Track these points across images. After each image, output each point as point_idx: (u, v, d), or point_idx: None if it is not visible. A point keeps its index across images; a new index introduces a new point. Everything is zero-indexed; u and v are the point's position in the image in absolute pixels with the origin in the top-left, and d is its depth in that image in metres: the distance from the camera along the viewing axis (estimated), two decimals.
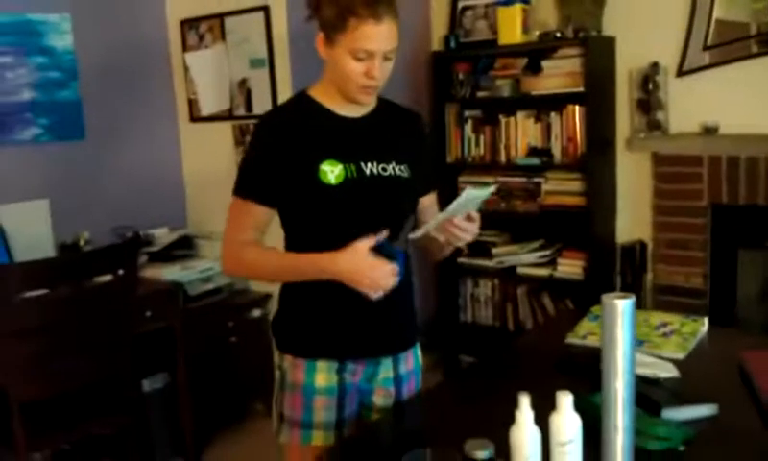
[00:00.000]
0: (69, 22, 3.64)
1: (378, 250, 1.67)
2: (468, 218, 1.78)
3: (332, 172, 1.78)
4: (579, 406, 1.32)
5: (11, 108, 3.47)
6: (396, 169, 1.87)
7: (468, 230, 1.79)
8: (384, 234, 1.71)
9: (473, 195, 1.73)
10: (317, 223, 1.81)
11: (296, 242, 1.86)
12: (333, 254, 1.70)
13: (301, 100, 1.88)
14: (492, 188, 1.87)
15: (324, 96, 1.86)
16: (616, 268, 3.82)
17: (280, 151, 1.79)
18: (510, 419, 1.30)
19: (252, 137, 1.90)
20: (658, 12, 3.63)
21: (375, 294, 1.69)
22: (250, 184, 1.84)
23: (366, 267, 1.66)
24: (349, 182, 1.79)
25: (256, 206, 1.83)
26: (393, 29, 1.72)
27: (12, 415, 2.63)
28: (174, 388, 3.51)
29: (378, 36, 1.70)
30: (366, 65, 1.72)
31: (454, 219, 1.76)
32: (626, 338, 1.34)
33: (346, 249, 1.68)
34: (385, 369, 1.94)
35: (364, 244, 1.67)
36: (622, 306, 1.32)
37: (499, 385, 1.96)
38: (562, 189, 3.84)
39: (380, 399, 1.95)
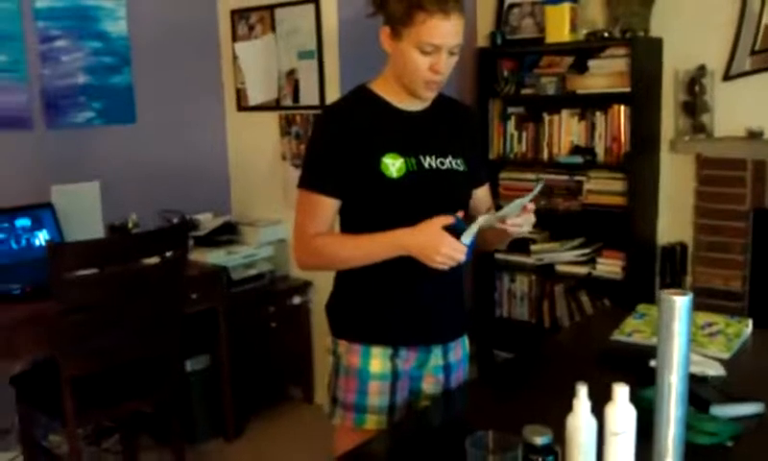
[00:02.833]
0: (124, 8, 3.72)
1: (452, 229, 1.71)
2: (524, 210, 1.80)
3: (393, 165, 1.82)
4: (629, 400, 1.35)
5: (65, 91, 3.56)
6: (453, 163, 1.91)
7: (522, 225, 1.82)
8: (460, 214, 1.75)
9: (521, 201, 1.77)
10: (376, 215, 1.84)
11: (352, 234, 1.90)
12: (410, 228, 1.74)
13: (362, 93, 1.92)
14: (539, 186, 1.90)
15: (384, 90, 1.89)
16: (656, 269, 3.83)
17: (345, 143, 1.83)
18: (559, 410, 1.33)
19: (315, 130, 1.93)
20: (705, 15, 3.62)
21: (442, 267, 1.72)
22: (317, 177, 1.87)
23: (438, 242, 1.69)
24: (410, 176, 1.83)
25: (325, 198, 1.86)
26: (459, 24, 1.76)
27: (63, 389, 2.71)
28: (215, 369, 3.59)
29: (445, 30, 1.73)
30: (432, 59, 1.76)
31: (507, 219, 1.79)
32: (682, 333, 1.37)
33: (421, 224, 1.73)
34: (435, 357, 1.98)
35: (439, 221, 1.71)
36: (680, 303, 1.35)
37: (544, 377, 2.00)
38: (604, 189, 3.84)
39: (429, 386, 1.99)
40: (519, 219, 1.79)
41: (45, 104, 3.49)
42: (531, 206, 1.80)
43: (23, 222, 3.26)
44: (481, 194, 2.06)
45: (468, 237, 1.72)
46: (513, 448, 1.22)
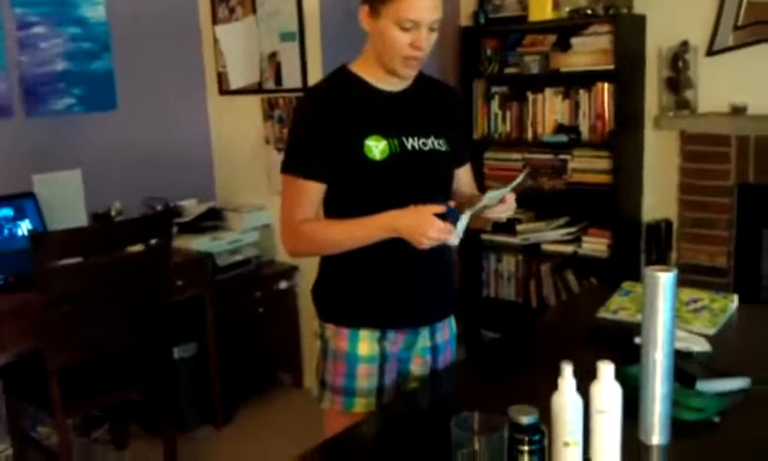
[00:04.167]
0: None
1: (444, 217, 1.70)
2: (501, 201, 1.80)
3: (377, 147, 1.81)
4: (615, 377, 1.35)
5: (44, 78, 3.51)
6: (436, 143, 1.90)
7: (502, 212, 1.82)
8: (452, 203, 1.74)
9: (496, 195, 1.76)
10: (360, 198, 1.83)
11: (335, 218, 1.89)
12: (399, 210, 1.73)
13: (342, 75, 1.90)
14: (522, 176, 1.87)
15: (364, 70, 1.88)
16: (642, 246, 3.84)
17: (328, 126, 1.81)
18: (545, 389, 1.32)
19: (297, 113, 1.91)
20: None
21: (428, 247, 1.70)
22: (301, 161, 1.85)
23: (427, 225, 1.67)
24: (393, 158, 1.82)
25: (310, 183, 1.84)
26: None
27: (50, 380, 2.69)
28: (203, 357, 3.58)
29: (424, 4, 1.72)
30: (411, 36, 1.74)
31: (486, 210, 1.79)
32: (667, 310, 1.37)
33: (411, 207, 1.71)
34: (423, 338, 1.98)
35: (430, 208, 1.69)
36: (664, 279, 1.35)
37: (531, 357, 2.00)
38: (588, 167, 3.84)
39: (417, 367, 1.99)
40: (499, 207, 1.79)
41: (24, 91, 3.43)
42: (510, 197, 1.80)
43: (5, 212, 3.23)
44: (463, 174, 2.05)
45: (456, 236, 1.71)
46: (499, 428, 1.22)
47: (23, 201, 3.28)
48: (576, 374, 1.30)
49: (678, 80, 3.63)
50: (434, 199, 1.72)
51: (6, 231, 3.21)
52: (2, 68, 3.36)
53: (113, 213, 3.58)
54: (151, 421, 3.43)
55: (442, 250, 1.75)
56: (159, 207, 3.61)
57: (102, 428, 3.57)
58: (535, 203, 4.11)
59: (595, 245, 3.87)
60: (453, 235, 1.70)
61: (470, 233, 1.89)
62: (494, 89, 4.17)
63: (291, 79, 3.76)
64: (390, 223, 1.74)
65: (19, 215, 3.26)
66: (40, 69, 3.49)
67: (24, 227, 3.25)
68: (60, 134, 3.57)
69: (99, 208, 3.59)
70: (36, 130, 3.48)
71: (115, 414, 3.45)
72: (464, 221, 1.71)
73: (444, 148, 1.92)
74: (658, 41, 3.70)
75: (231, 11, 3.95)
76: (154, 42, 3.91)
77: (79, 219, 3.47)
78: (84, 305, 2.74)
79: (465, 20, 4.24)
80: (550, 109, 3.95)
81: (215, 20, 4.05)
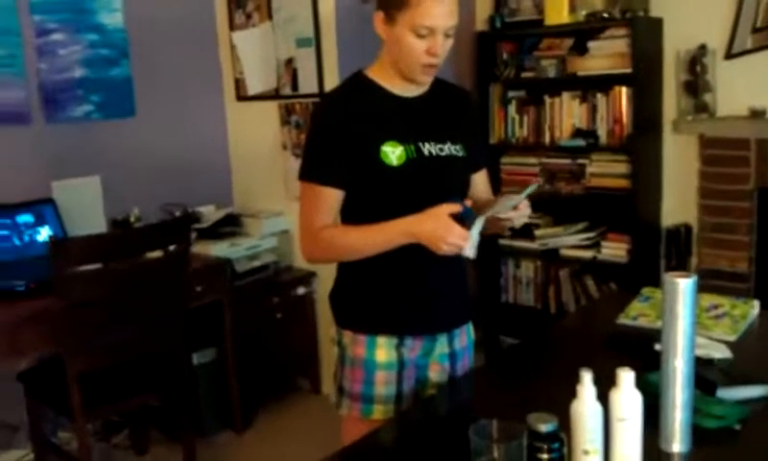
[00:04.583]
0: (120, 0, 3.70)
1: (461, 216, 1.69)
2: (516, 208, 1.80)
3: (393, 153, 1.80)
4: (635, 384, 1.34)
5: (63, 84, 3.54)
6: (452, 149, 1.89)
7: (516, 218, 1.82)
8: (469, 202, 1.73)
9: (510, 203, 1.76)
10: (376, 204, 1.82)
11: (352, 224, 1.88)
12: (417, 215, 1.72)
13: (359, 80, 1.90)
14: (532, 188, 1.85)
15: (380, 76, 1.88)
16: (661, 251, 3.81)
17: (345, 131, 1.81)
18: (565, 395, 1.32)
19: (314, 120, 1.91)
20: None
21: (448, 253, 1.69)
22: (318, 168, 1.84)
23: (446, 230, 1.66)
24: (410, 164, 1.81)
25: (329, 190, 1.83)
26: (453, 5, 1.74)
27: (70, 385, 2.70)
28: (221, 362, 3.59)
29: (440, 11, 1.71)
30: (427, 43, 1.74)
31: (501, 214, 1.78)
32: (687, 316, 1.36)
33: (428, 211, 1.70)
34: (440, 345, 1.97)
35: (447, 208, 1.68)
36: (684, 285, 1.34)
37: (551, 363, 1.99)
38: (607, 171, 3.82)
39: (435, 374, 1.98)
40: (512, 213, 1.79)
41: (43, 98, 3.46)
42: (524, 204, 1.79)
43: (25, 218, 3.26)
44: (479, 179, 2.05)
45: (472, 246, 1.71)
46: (517, 436, 1.21)
47: (43, 207, 3.31)
48: (596, 381, 1.29)
49: (696, 83, 3.60)
50: (451, 200, 1.71)
51: (26, 238, 3.24)
52: (21, 76, 3.39)
53: (132, 219, 3.60)
54: (170, 426, 3.45)
55: (458, 256, 1.75)
56: (178, 213, 3.63)
57: (122, 434, 3.59)
58: (553, 207, 4.09)
59: (614, 250, 3.85)
60: (469, 244, 1.69)
61: (488, 238, 1.88)
62: (511, 94, 4.16)
63: (307, 84, 3.77)
64: (408, 228, 1.73)
65: (39, 221, 3.29)
66: (59, 76, 3.52)
67: (44, 233, 3.27)
68: (79, 141, 3.60)
69: (118, 215, 3.61)
70: (55, 136, 3.51)
71: (135, 419, 3.47)
72: (478, 226, 1.70)
73: (460, 153, 1.91)
74: (675, 44, 3.68)
75: (248, 17, 3.97)
76: (171, 49, 3.93)
77: (98, 225, 3.49)
78: (104, 311, 2.75)
79: (480, 25, 4.24)
80: (567, 114, 3.93)
81: (232, 26, 4.06)
